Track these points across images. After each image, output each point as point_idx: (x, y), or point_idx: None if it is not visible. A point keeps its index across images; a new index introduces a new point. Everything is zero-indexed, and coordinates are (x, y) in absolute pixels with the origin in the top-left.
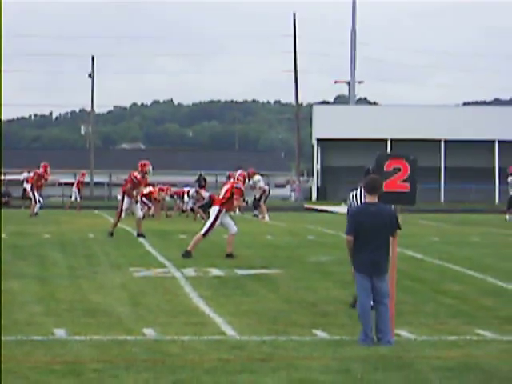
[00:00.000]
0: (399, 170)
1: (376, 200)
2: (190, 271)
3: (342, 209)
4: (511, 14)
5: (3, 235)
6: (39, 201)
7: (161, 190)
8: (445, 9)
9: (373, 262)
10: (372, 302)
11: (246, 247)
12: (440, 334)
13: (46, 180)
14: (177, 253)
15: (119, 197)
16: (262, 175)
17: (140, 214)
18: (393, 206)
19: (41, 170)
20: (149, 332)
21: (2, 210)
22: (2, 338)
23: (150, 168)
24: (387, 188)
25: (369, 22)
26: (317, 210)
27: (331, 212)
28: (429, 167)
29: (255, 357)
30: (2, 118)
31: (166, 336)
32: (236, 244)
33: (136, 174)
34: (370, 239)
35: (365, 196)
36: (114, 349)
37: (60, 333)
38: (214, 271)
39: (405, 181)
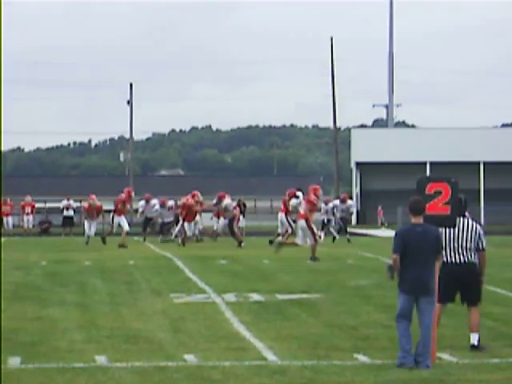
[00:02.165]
0: (440, 193)
1: (421, 221)
2: (230, 296)
3: (382, 232)
4: None
5: (43, 262)
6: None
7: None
8: (478, 28)
9: (419, 281)
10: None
11: (286, 272)
12: (482, 357)
13: (130, 205)
14: (217, 278)
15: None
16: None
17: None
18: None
19: (124, 196)
20: (190, 358)
21: (43, 238)
22: (44, 365)
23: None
24: (429, 211)
25: (406, 44)
26: (357, 234)
27: (371, 236)
28: (468, 189)
29: (297, 381)
30: (42, 146)
31: (208, 362)
32: (276, 269)
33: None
34: (416, 259)
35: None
36: (155, 375)
37: (101, 360)
38: (255, 296)
39: (446, 203)
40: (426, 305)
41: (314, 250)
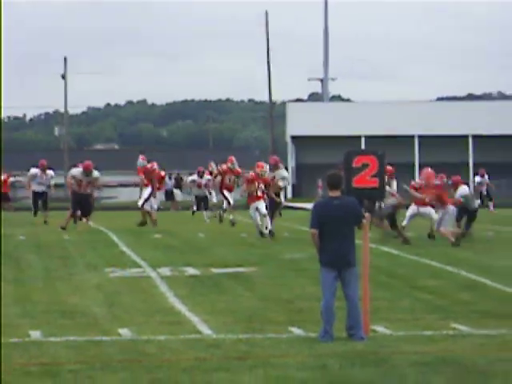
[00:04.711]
0: (367, 165)
1: (338, 194)
2: (165, 270)
3: None
4: (481, 10)
5: None
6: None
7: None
8: (413, 1)
9: (339, 253)
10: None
11: (221, 246)
12: (416, 329)
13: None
14: (152, 252)
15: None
16: None
17: None
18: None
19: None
20: (125, 332)
21: None
22: None
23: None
24: (357, 184)
25: (341, 18)
26: (292, 208)
27: (306, 209)
28: (403, 163)
29: (231, 355)
30: None
31: (142, 336)
32: (211, 242)
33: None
34: (334, 232)
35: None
36: (90, 349)
37: (36, 334)
38: (190, 270)
39: (374, 176)
40: (349, 277)
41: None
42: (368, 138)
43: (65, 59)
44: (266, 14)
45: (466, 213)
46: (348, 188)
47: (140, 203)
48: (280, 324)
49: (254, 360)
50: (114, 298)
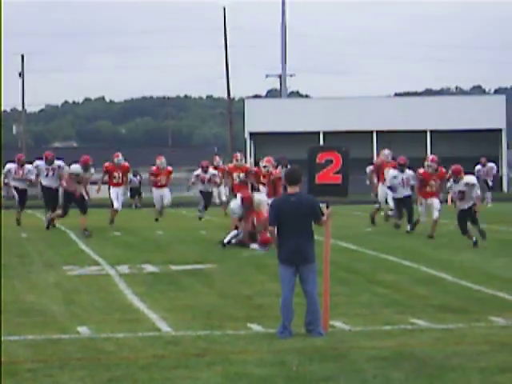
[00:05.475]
0: (331, 161)
1: (297, 190)
2: (124, 268)
3: None
4: (438, 3)
5: None
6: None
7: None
8: None
9: (296, 249)
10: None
11: (180, 242)
12: (374, 324)
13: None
14: (110, 250)
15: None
16: None
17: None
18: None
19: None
20: (83, 330)
21: None
22: None
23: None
24: (320, 180)
25: (299, 13)
26: None
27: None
28: (362, 158)
29: (190, 352)
30: None
31: (101, 334)
32: (170, 239)
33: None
34: (291, 228)
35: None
36: (48, 348)
37: None
38: (149, 267)
39: (337, 173)
40: (307, 273)
41: None
42: (327, 133)
43: (22, 57)
44: (224, 9)
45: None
46: (311, 184)
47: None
48: (239, 320)
49: (212, 357)
50: (73, 296)
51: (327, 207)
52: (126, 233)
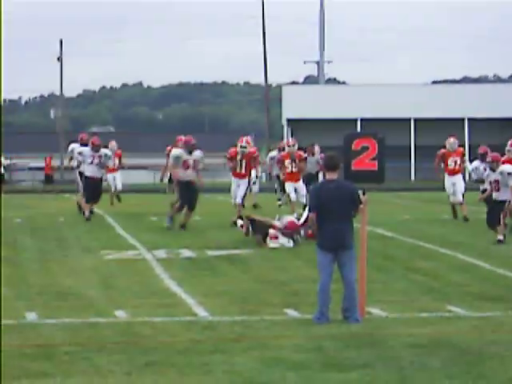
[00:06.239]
0: (367, 148)
1: (335, 177)
2: (160, 253)
3: None
4: None
5: None
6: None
7: None
8: None
9: (335, 236)
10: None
11: (217, 228)
12: (411, 311)
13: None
14: (148, 235)
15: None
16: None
17: None
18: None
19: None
20: (120, 314)
21: None
22: None
23: None
24: (356, 167)
25: (337, 0)
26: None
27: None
28: (399, 146)
29: (227, 337)
30: None
31: (138, 318)
32: (206, 225)
33: None
34: (331, 215)
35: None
36: (85, 331)
37: (31, 316)
38: (185, 252)
39: (373, 159)
40: (346, 259)
41: None
42: (364, 120)
43: (61, 42)
44: None
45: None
46: (347, 171)
47: None
48: (275, 306)
49: (249, 342)
50: (110, 281)
51: (363, 194)
52: (163, 218)
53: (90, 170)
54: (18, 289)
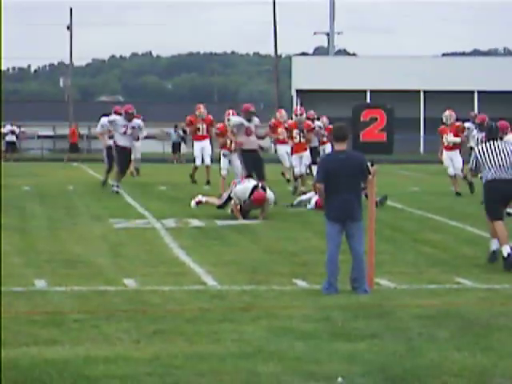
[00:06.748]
0: (376, 119)
1: (344, 147)
2: (169, 222)
3: None
4: None
5: None
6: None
7: None
8: None
9: (344, 207)
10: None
11: None
12: (420, 282)
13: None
14: (157, 204)
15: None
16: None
17: None
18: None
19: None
20: (129, 282)
21: None
22: None
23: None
24: (365, 138)
25: None
26: None
27: None
28: (408, 118)
29: (235, 306)
30: None
31: (147, 286)
32: (215, 195)
33: None
34: (340, 185)
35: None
36: (94, 299)
37: (40, 284)
38: (194, 222)
39: (382, 130)
40: (354, 230)
41: None
42: (373, 92)
43: (70, 10)
44: None
45: None
46: (355, 142)
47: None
48: (284, 276)
49: (257, 311)
50: (119, 249)
51: (372, 165)
52: (172, 187)
53: (122, 140)
54: (27, 256)
